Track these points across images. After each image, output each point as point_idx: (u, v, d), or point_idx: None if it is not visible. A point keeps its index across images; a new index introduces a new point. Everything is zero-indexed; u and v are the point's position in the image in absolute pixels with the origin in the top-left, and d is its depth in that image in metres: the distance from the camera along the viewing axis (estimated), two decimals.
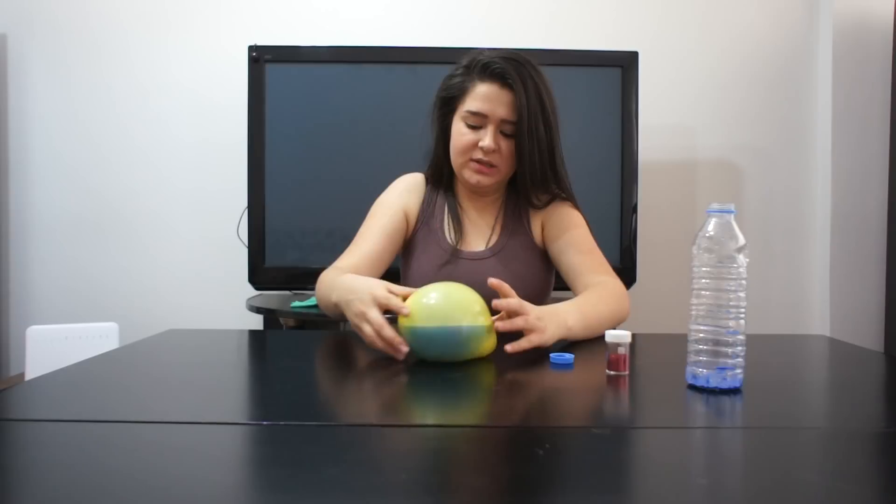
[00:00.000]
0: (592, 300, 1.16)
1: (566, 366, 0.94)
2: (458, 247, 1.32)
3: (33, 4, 2.42)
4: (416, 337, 0.95)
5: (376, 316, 0.97)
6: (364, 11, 2.42)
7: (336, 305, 1.10)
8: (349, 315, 1.04)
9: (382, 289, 0.99)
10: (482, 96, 1.23)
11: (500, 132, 1.24)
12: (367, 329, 0.97)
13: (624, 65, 2.12)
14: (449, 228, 1.34)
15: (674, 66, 2.42)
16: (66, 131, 2.44)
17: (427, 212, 1.37)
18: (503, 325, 0.97)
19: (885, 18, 2.36)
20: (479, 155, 1.25)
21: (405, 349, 0.95)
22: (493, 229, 1.35)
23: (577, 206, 1.36)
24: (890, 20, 2.35)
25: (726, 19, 2.44)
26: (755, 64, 2.44)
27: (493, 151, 1.24)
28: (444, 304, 0.95)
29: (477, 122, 1.24)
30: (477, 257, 1.31)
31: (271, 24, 2.41)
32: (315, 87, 2.12)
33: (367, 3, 2.42)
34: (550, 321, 1.01)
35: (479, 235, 1.35)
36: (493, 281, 1.00)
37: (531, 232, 1.36)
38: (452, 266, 1.29)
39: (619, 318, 1.18)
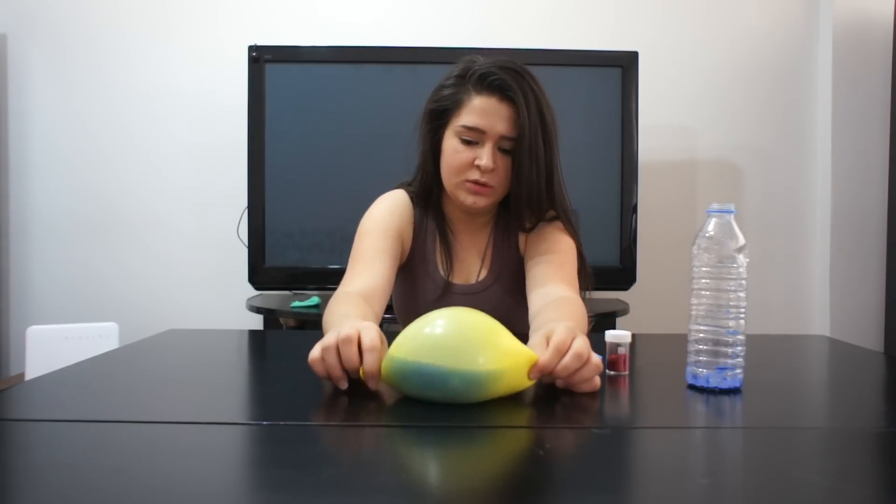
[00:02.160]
0: (577, 318, 1.01)
1: None
2: (449, 279, 1.25)
3: (33, 4, 2.42)
4: (419, 374, 0.75)
5: (349, 329, 0.79)
6: (364, 12, 2.42)
7: None
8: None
9: (375, 333, 0.80)
10: (479, 110, 1.12)
11: (498, 148, 1.14)
12: (330, 339, 0.79)
13: (624, 65, 2.12)
14: (440, 258, 1.26)
15: (674, 66, 2.42)
16: (66, 131, 2.44)
17: (419, 238, 1.27)
18: (559, 377, 0.78)
19: (885, 18, 2.36)
20: (475, 175, 1.14)
21: (373, 385, 0.79)
22: (483, 256, 1.28)
23: (571, 229, 1.24)
24: (890, 20, 2.35)
25: (726, 19, 2.44)
26: (755, 64, 2.44)
27: (491, 171, 1.13)
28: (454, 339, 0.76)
29: (473, 137, 1.13)
30: (469, 291, 1.25)
31: (271, 24, 2.41)
32: (315, 87, 2.12)
33: (368, 3, 2.42)
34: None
35: (471, 264, 1.28)
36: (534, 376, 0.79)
37: (520, 254, 1.27)
38: (445, 301, 1.22)
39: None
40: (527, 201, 1.17)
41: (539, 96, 1.14)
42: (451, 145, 1.16)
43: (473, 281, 1.26)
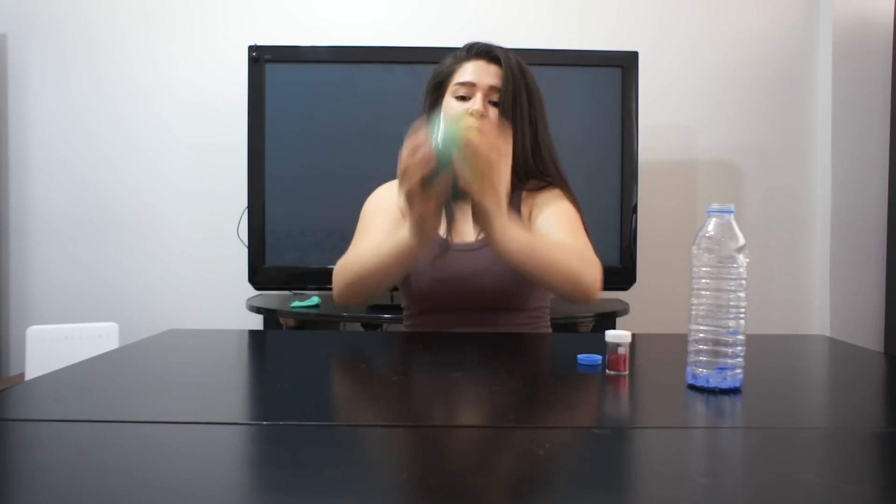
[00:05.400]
0: (548, 241, 1.17)
1: (593, 367, 0.93)
2: (449, 238, 1.30)
3: (33, 4, 2.42)
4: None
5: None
6: (364, 12, 2.42)
7: (386, 254, 1.12)
8: (409, 207, 1.03)
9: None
10: (470, 70, 1.27)
11: (489, 102, 1.26)
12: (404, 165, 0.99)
13: (624, 65, 2.12)
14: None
15: (674, 66, 2.42)
16: (66, 131, 2.44)
17: None
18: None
19: (885, 18, 2.36)
20: None
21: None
22: None
23: (570, 194, 1.32)
24: (890, 20, 2.35)
25: (726, 19, 2.44)
26: (755, 64, 2.44)
27: (482, 117, 1.23)
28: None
29: (466, 92, 1.26)
30: (468, 248, 1.29)
31: (271, 24, 2.41)
32: (315, 87, 2.12)
33: (368, 3, 2.42)
34: (495, 198, 1.03)
35: (470, 224, 1.29)
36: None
37: (522, 218, 1.32)
38: (444, 259, 1.27)
39: (567, 272, 1.13)
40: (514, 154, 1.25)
41: (523, 66, 1.28)
42: (448, 104, 1.28)
43: (472, 240, 1.30)
